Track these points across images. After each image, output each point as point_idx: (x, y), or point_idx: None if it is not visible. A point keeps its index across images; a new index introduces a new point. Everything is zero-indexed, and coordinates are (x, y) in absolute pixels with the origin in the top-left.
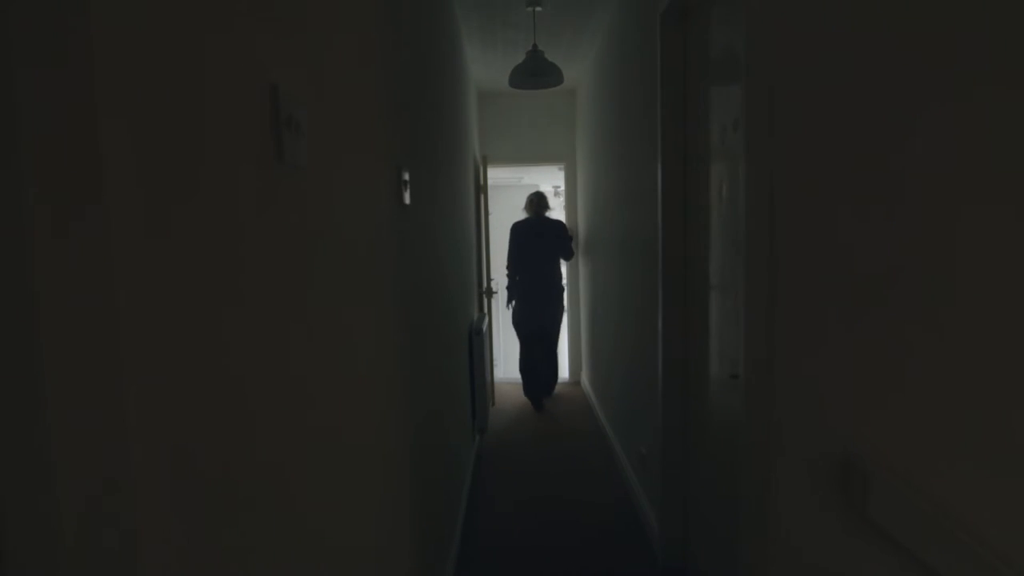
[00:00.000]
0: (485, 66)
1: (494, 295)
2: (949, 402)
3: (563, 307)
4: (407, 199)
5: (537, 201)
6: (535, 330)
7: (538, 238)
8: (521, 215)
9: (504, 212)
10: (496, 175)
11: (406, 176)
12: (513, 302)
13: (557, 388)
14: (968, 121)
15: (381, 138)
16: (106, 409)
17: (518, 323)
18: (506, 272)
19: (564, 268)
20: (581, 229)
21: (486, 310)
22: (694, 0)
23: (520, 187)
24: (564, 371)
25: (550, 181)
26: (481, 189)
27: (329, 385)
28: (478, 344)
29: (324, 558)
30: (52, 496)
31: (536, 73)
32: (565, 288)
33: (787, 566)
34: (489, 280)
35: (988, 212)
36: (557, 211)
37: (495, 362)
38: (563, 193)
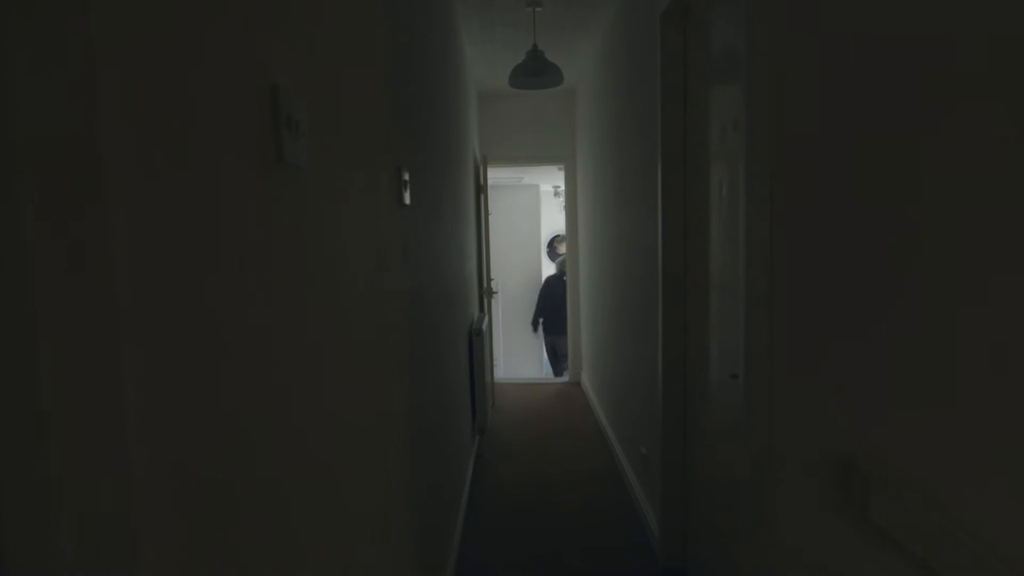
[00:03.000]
0: (485, 66)
1: (494, 295)
2: (949, 402)
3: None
4: (407, 199)
5: (563, 262)
6: (554, 347)
7: (561, 289)
8: (519, 216)
9: (504, 212)
10: (496, 175)
11: (406, 176)
12: (540, 328)
13: (557, 388)
14: (972, 121)
15: (381, 138)
16: (106, 409)
17: (547, 344)
18: (534, 312)
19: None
20: (582, 229)
21: (486, 310)
22: (694, 0)
23: (520, 187)
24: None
25: (550, 181)
26: (481, 189)
27: (328, 385)
28: (478, 344)
29: (324, 558)
30: (52, 496)
31: (536, 73)
32: None
33: (787, 566)
34: (489, 280)
35: (991, 211)
36: (557, 211)
37: (495, 362)
38: (563, 193)
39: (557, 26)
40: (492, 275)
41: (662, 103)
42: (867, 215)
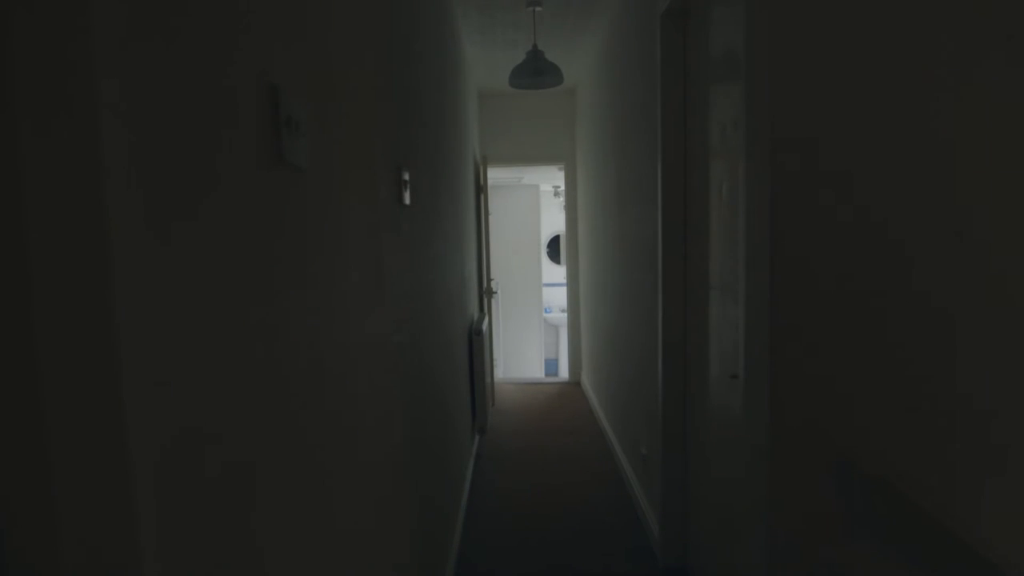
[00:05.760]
0: (485, 66)
1: (494, 295)
2: (950, 402)
3: None
4: (407, 199)
5: None
6: None
7: None
8: (519, 216)
9: (504, 212)
10: (496, 175)
11: (406, 176)
12: None
13: (557, 388)
14: (970, 119)
15: (381, 138)
16: (106, 408)
17: None
18: None
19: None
20: (581, 229)
21: (486, 310)
22: (694, 0)
23: (520, 187)
24: (564, 371)
25: (550, 181)
26: (481, 189)
27: (328, 384)
28: (478, 344)
29: (324, 558)
30: (52, 496)
31: (536, 73)
32: None
33: (787, 566)
34: (489, 280)
35: (993, 210)
36: (557, 211)
37: (495, 362)
38: (563, 193)
39: (557, 26)
40: (492, 275)
41: (662, 103)
42: (867, 214)
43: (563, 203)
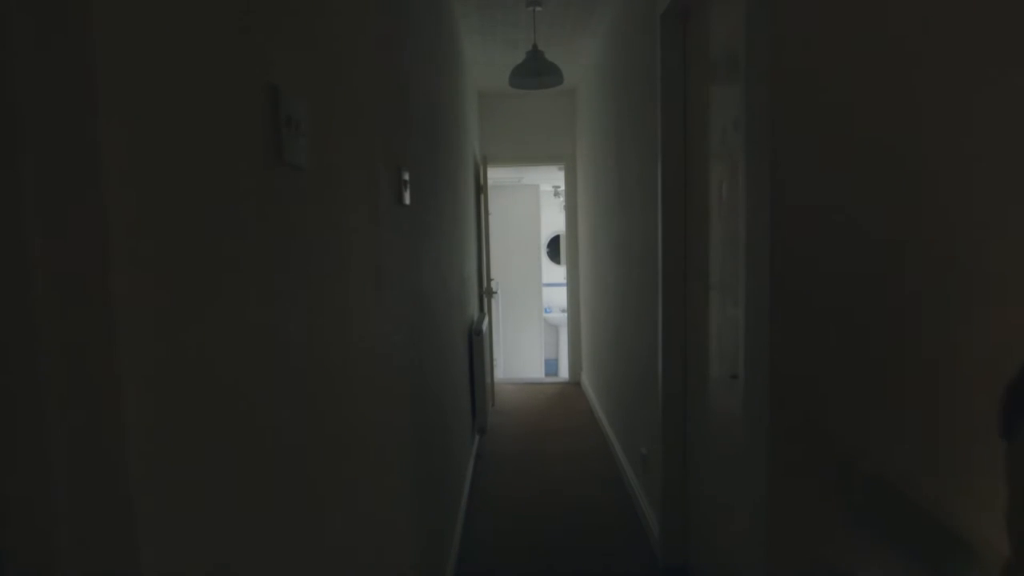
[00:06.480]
0: (485, 66)
1: (494, 295)
2: (949, 402)
3: None
4: (407, 199)
5: None
6: None
7: None
8: (519, 216)
9: (504, 212)
10: (496, 175)
11: (406, 176)
12: None
13: (557, 388)
14: (970, 117)
15: (381, 138)
16: (104, 409)
17: None
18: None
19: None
20: (581, 229)
21: (486, 310)
22: (694, 0)
23: (520, 187)
24: (564, 371)
25: (550, 181)
26: (481, 189)
27: (328, 385)
28: (478, 344)
29: (324, 558)
30: (52, 496)
31: (536, 73)
32: None
33: (787, 566)
34: (489, 280)
35: (989, 212)
36: (557, 211)
37: (495, 362)
38: (563, 193)
39: (557, 26)
40: (492, 275)
41: (662, 103)
42: (866, 213)
43: (563, 203)
